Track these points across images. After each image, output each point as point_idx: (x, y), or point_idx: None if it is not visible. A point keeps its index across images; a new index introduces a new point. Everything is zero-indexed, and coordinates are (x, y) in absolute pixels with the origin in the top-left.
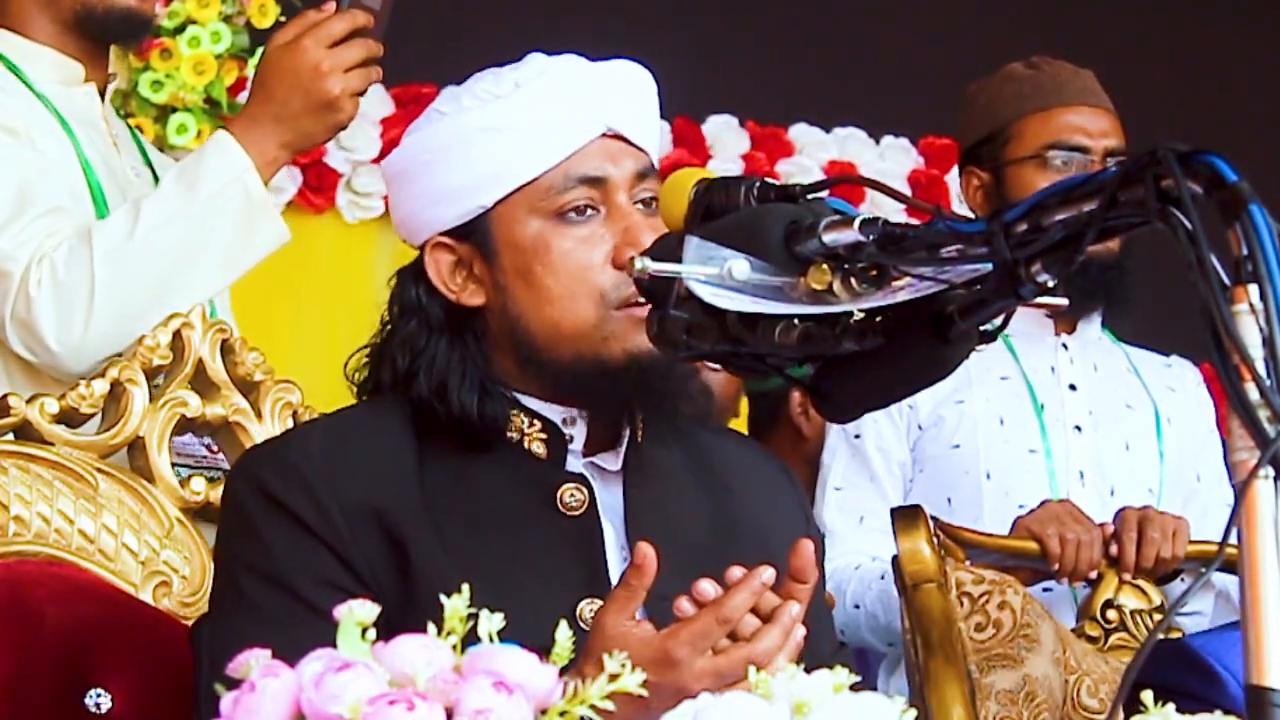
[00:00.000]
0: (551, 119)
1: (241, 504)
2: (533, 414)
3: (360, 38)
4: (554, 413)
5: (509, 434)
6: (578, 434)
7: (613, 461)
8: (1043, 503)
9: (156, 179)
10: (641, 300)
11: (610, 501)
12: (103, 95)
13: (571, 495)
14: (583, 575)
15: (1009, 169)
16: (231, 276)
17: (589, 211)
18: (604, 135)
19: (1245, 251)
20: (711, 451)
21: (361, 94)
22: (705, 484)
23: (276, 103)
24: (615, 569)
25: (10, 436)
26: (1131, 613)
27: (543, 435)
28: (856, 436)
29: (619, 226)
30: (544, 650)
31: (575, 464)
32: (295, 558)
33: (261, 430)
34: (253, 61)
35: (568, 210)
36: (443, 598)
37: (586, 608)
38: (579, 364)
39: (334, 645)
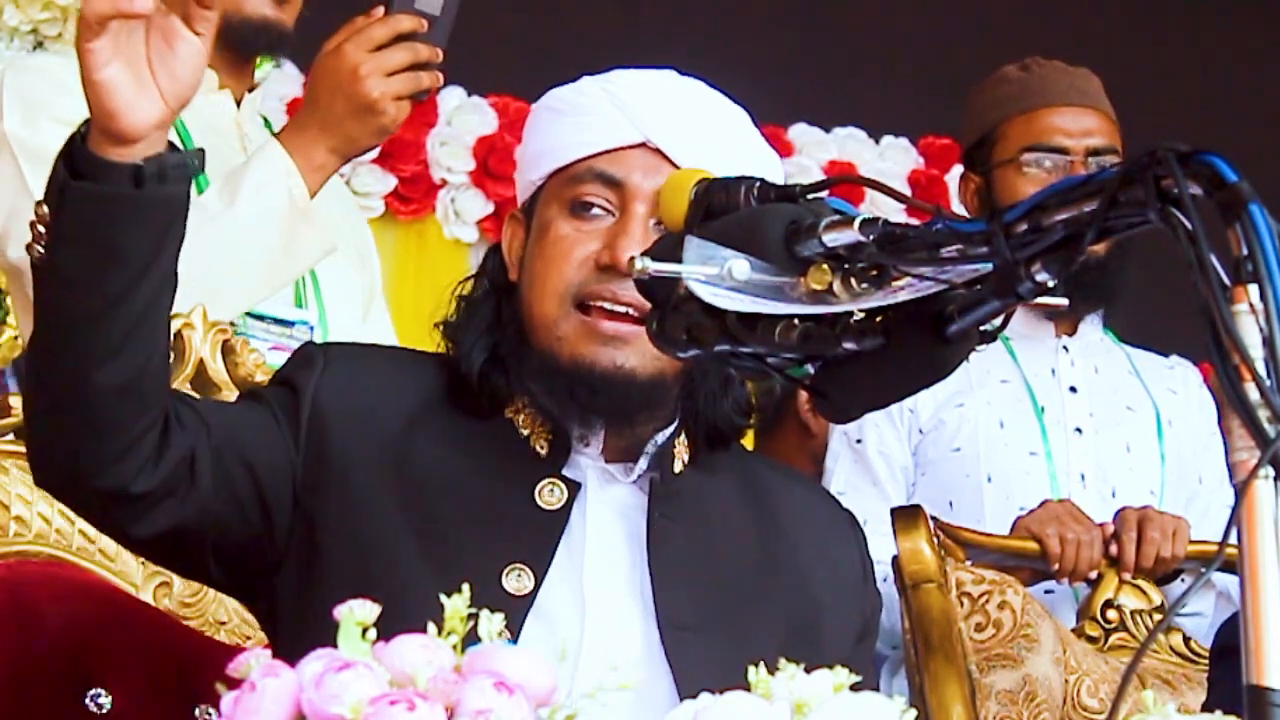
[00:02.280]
0: (593, 115)
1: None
2: (547, 415)
3: (411, 42)
4: (571, 413)
5: (521, 429)
6: (594, 439)
7: (627, 474)
8: (1043, 502)
9: None
10: (606, 309)
11: (623, 510)
12: (239, 102)
13: (550, 493)
14: (525, 550)
15: (996, 172)
16: (276, 284)
17: (597, 210)
18: (643, 146)
19: (1245, 251)
20: (773, 493)
21: (410, 98)
22: (756, 522)
23: (321, 108)
24: (598, 567)
25: (10, 436)
26: (1131, 613)
27: (549, 436)
28: (858, 441)
29: (617, 231)
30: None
31: (582, 466)
32: (267, 391)
33: None
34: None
35: (578, 201)
36: (442, 597)
37: (513, 574)
38: (544, 357)
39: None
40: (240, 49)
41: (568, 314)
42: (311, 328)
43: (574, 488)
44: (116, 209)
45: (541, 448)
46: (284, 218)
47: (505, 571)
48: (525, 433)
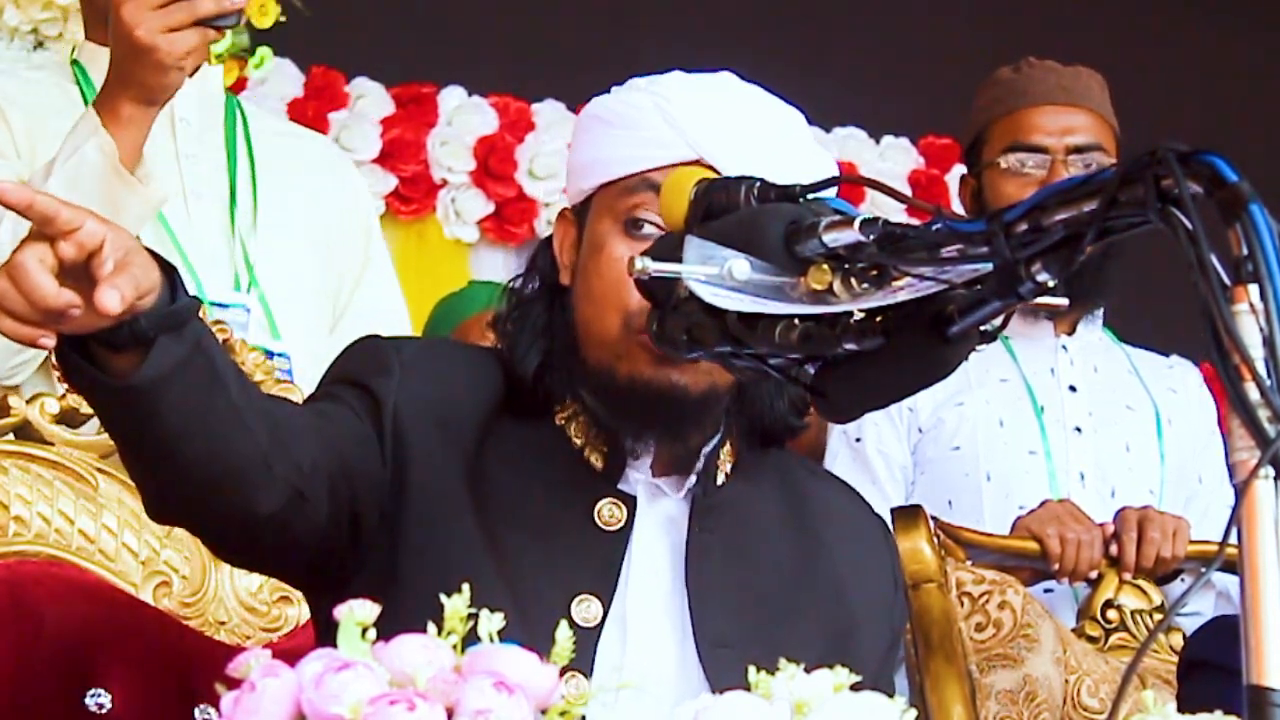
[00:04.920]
0: (644, 129)
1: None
2: (600, 425)
3: None
4: (624, 428)
5: (574, 439)
6: (644, 453)
7: (675, 487)
8: (1043, 502)
9: (235, 160)
10: None
11: (667, 524)
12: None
13: (610, 512)
14: (588, 577)
15: (985, 174)
16: None
17: (649, 228)
18: (697, 163)
19: (1245, 251)
20: (811, 498)
21: (205, 25)
22: (794, 531)
23: (115, 63)
24: (641, 584)
25: (10, 436)
26: (1132, 613)
27: (603, 448)
28: (857, 440)
29: None
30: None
31: (633, 481)
32: (346, 394)
33: None
34: (253, 61)
35: (631, 219)
36: (442, 597)
37: (582, 604)
38: (599, 372)
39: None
40: None
41: (627, 334)
42: (248, 310)
43: (631, 505)
44: (119, 403)
45: (597, 461)
46: (99, 178)
47: (575, 601)
48: (579, 442)
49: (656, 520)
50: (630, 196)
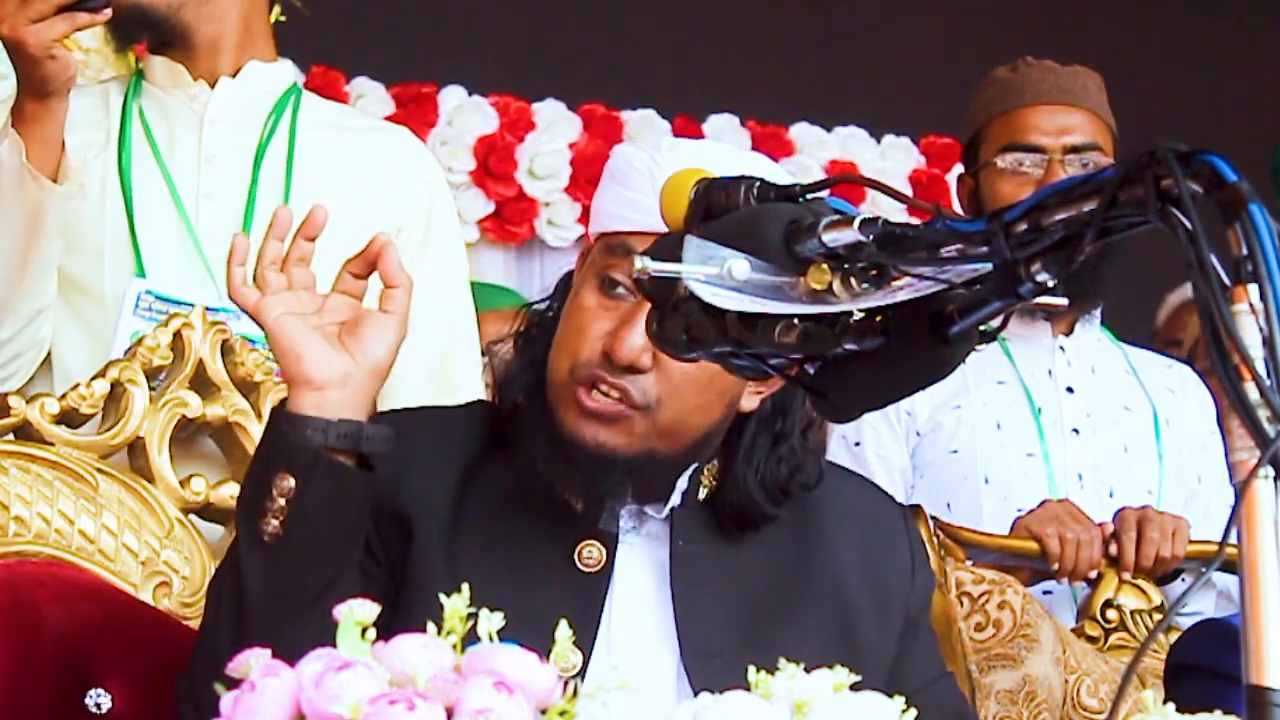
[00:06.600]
0: (636, 192)
1: None
2: (579, 469)
3: None
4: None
5: (554, 485)
6: (619, 489)
7: (659, 510)
8: (1042, 502)
9: (260, 161)
10: (593, 387)
11: (652, 555)
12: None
13: (589, 553)
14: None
15: (982, 173)
16: (32, 250)
17: (622, 290)
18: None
19: (1245, 251)
20: (815, 498)
21: (71, 9)
22: (791, 527)
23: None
24: (627, 624)
25: (10, 436)
26: (1131, 613)
27: (582, 490)
28: (856, 444)
29: (626, 319)
30: None
31: (615, 519)
32: None
33: (261, 431)
34: None
35: (607, 277)
36: (442, 597)
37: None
38: (548, 415)
39: None
40: (139, 40)
41: (568, 383)
42: (239, 315)
43: (611, 543)
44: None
45: (576, 502)
46: (16, 176)
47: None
48: (559, 488)
49: (639, 547)
50: (611, 257)
